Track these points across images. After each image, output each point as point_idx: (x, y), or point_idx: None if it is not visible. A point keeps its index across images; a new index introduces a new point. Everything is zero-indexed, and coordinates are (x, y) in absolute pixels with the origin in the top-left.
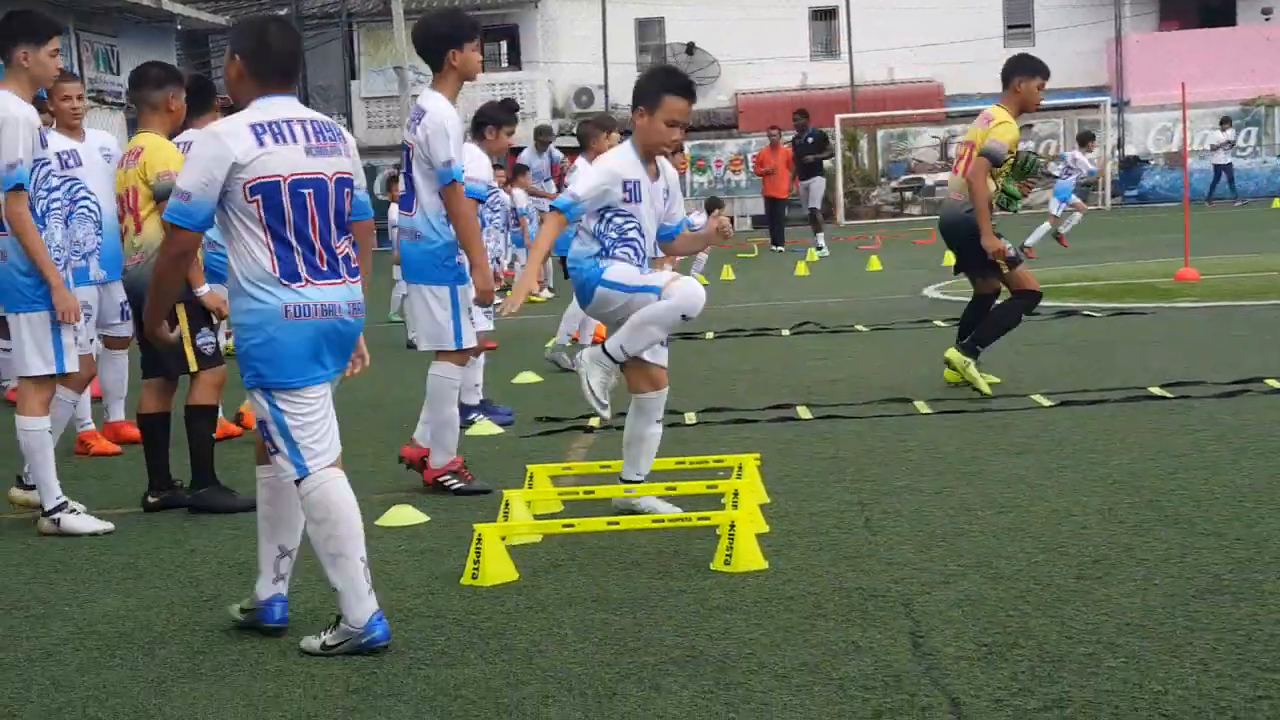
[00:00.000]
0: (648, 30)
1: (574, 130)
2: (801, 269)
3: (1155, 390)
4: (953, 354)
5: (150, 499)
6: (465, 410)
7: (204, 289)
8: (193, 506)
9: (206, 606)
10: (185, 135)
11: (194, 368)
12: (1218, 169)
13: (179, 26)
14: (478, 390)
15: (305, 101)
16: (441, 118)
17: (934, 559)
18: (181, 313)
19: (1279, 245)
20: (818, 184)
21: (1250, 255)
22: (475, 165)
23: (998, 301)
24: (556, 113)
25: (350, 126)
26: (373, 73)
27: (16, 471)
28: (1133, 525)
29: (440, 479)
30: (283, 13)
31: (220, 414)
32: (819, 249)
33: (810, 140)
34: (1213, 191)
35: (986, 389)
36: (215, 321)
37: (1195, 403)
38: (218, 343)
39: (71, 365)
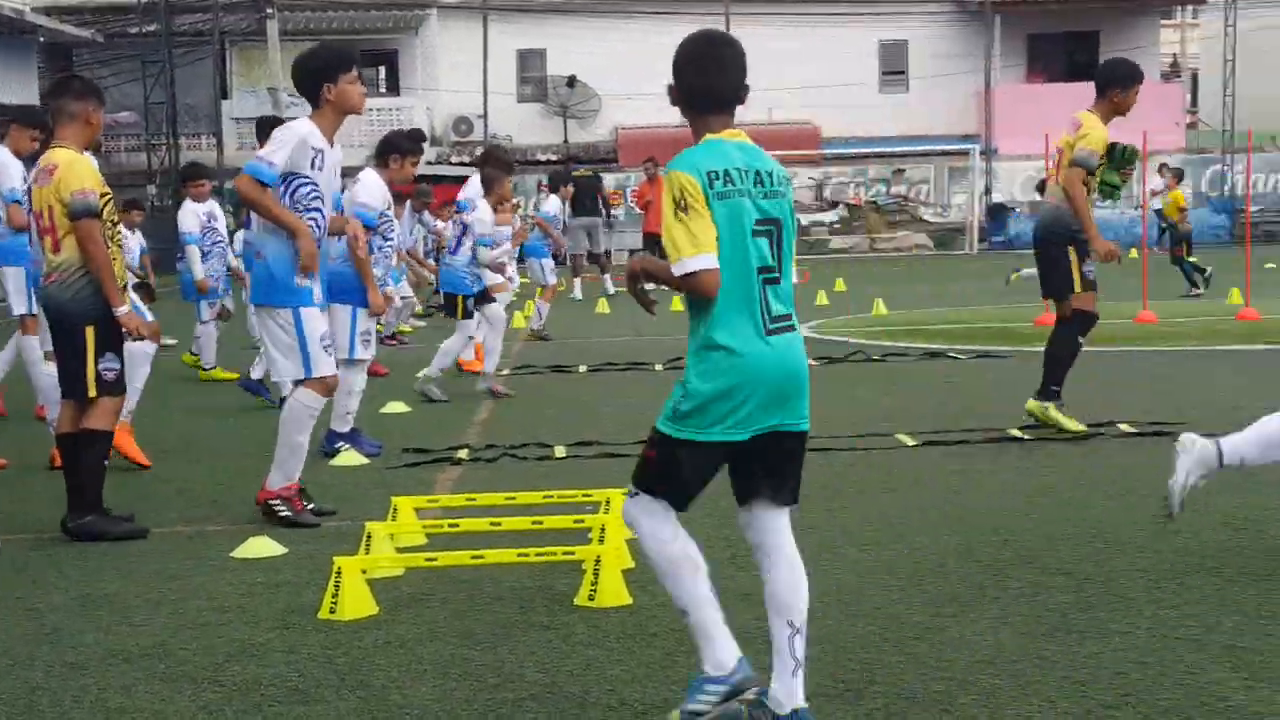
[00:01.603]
0: (529, 61)
1: (451, 158)
2: (676, 304)
3: (1015, 432)
4: (1032, 405)
5: (70, 523)
6: (334, 437)
7: (123, 309)
8: (73, 534)
9: (47, 640)
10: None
11: (93, 393)
12: (1160, 215)
13: (41, 39)
14: (349, 419)
15: (174, 120)
16: (283, 128)
17: None
18: (90, 334)
19: (1133, 294)
20: (589, 223)
21: (1106, 302)
22: (366, 191)
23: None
24: (435, 140)
25: (220, 147)
26: (245, 93)
27: None
28: (988, 564)
29: (271, 502)
30: (152, 28)
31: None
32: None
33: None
34: (1161, 238)
35: (1078, 428)
36: (135, 338)
37: (1051, 445)
38: (121, 370)
39: None
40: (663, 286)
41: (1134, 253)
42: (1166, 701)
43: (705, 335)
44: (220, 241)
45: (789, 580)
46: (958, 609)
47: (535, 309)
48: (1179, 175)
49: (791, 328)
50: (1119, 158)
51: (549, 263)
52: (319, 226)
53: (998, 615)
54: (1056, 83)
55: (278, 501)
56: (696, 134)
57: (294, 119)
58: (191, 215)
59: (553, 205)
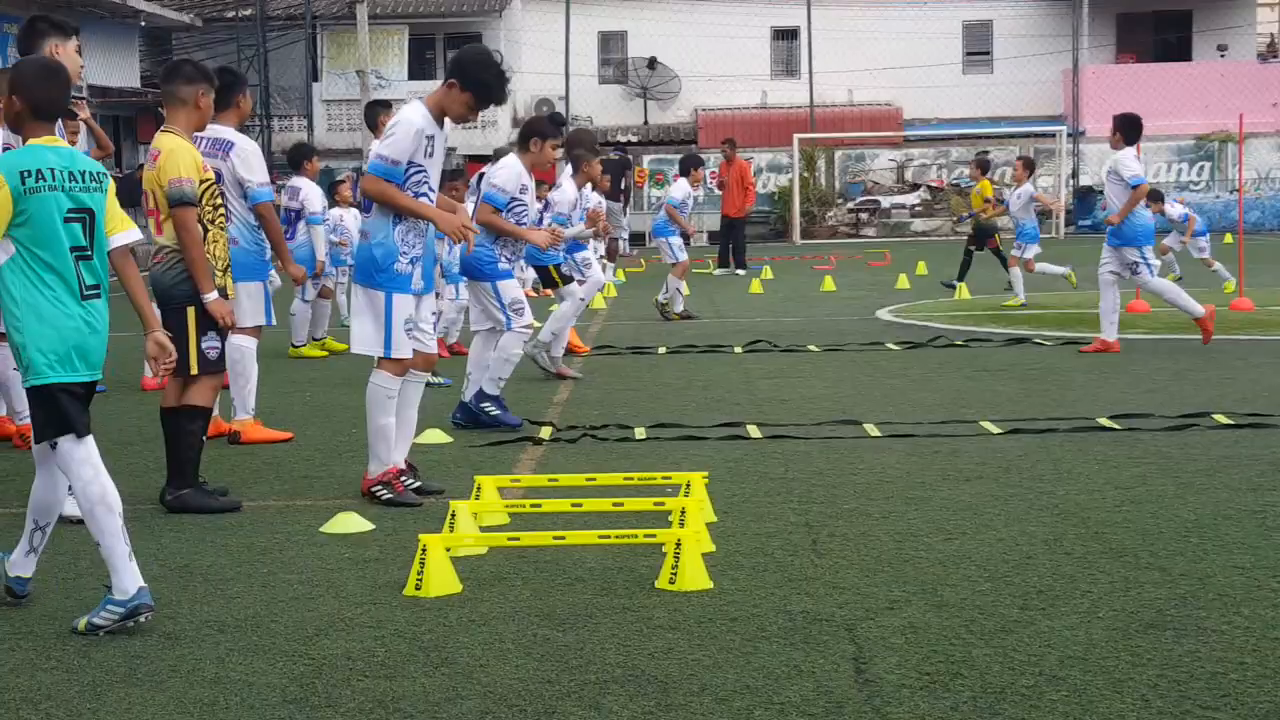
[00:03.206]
0: (610, 43)
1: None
2: (756, 287)
3: (1104, 421)
4: None
5: (169, 496)
6: (483, 397)
7: (211, 295)
8: (170, 507)
9: None
10: (211, 131)
11: (194, 371)
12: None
13: (143, 24)
14: (500, 383)
15: (266, 102)
16: (396, 122)
17: (879, 584)
18: (190, 314)
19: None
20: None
21: (1199, 289)
22: (501, 174)
23: None
24: (516, 122)
25: (310, 129)
26: (334, 75)
27: None
28: (1078, 557)
29: (372, 488)
30: (247, 13)
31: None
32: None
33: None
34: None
35: None
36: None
37: (1143, 435)
38: (223, 347)
39: None
40: None
41: (1229, 238)
42: (1267, 704)
43: (32, 299)
44: (328, 220)
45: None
46: (1046, 602)
47: (671, 287)
48: (984, 166)
49: (99, 296)
50: None
51: (677, 240)
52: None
53: (1088, 610)
54: (1147, 63)
55: (378, 486)
56: (25, 139)
57: (405, 104)
58: (318, 195)
59: (678, 190)
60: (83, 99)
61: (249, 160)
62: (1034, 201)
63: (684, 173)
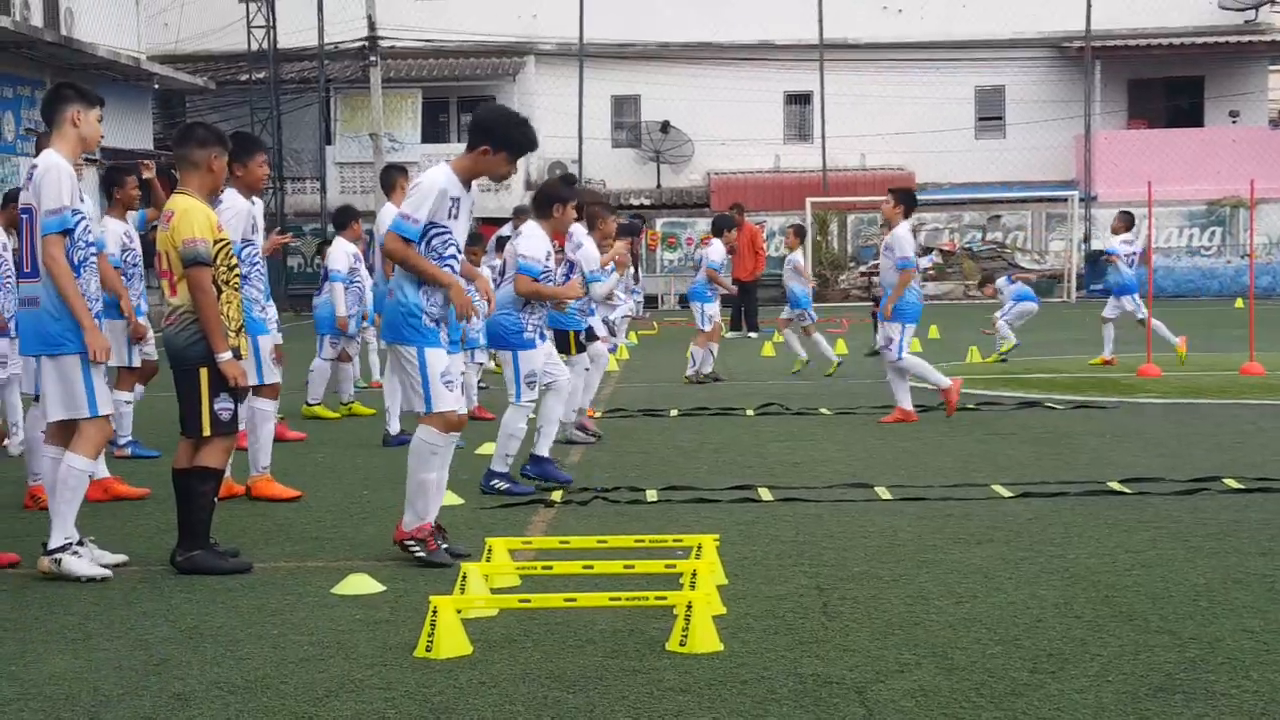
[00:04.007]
0: (624, 106)
1: None
2: (768, 350)
3: (1114, 485)
4: None
5: (180, 557)
6: (492, 475)
7: (225, 355)
8: (181, 568)
9: (155, 671)
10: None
11: (206, 432)
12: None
13: (156, 86)
14: (508, 460)
15: (280, 165)
16: (420, 183)
17: (889, 647)
18: (203, 375)
19: (1240, 345)
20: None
21: (1211, 354)
22: (528, 244)
23: None
24: (530, 185)
25: (323, 190)
26: (347, 138)
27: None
28: (1088, 620)
29: (406, 542)
30: (261, 76)
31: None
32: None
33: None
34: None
35: None
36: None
37: (1154, 499)
38: (235, 410)
39: (105, 408)
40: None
41: (1240, 303)
42: None
43: None
44: (359, 282)
45: None
46: (1056, 665)
47: (697, 358)
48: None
49: None
50: None
51: (711, 307)
52: (454, 271)
53: (1098, 673)
54: (1159, 129)
55: (412, 542)
56: None
57: (431, 167)
58: (343, 254)
59: (716, 253)
60: (142, 161)
61: (223, 215)
62: (797, 271)
63: (717, 234)
